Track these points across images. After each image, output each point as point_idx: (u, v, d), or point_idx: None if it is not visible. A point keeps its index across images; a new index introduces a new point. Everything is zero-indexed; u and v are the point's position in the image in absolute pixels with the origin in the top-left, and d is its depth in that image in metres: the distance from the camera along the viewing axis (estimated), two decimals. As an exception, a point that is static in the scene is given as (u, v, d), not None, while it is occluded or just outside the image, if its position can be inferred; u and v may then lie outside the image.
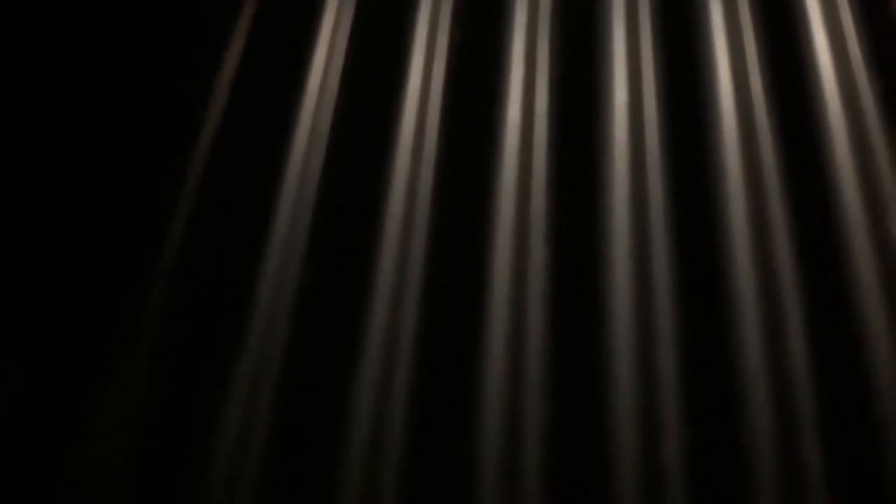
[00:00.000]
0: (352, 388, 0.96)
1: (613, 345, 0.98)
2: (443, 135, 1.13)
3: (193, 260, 1.02)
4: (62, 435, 0.95)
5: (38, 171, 1.10)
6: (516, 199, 1.09)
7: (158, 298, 1.00)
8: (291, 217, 1.06)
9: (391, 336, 0.99)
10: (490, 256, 1.04)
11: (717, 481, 0.89)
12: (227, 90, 1.14)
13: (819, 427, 0.90)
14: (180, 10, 1.21)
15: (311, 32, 1.19)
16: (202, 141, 1.10)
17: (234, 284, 1.01)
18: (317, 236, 1.05)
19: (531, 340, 0.99)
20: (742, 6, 1.26)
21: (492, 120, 1.14)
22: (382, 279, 1.02)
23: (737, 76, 1.18)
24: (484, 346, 0.98)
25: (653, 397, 0.94)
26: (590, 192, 1.09)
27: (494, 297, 1.01)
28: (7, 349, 1.01)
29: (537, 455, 0.92)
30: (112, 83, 1.15)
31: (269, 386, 0.96)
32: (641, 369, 0.96)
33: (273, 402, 0.95)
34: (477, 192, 1.09)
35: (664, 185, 1.10)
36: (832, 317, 0.98)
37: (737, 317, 0.99)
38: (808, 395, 0.92)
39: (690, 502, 0.88)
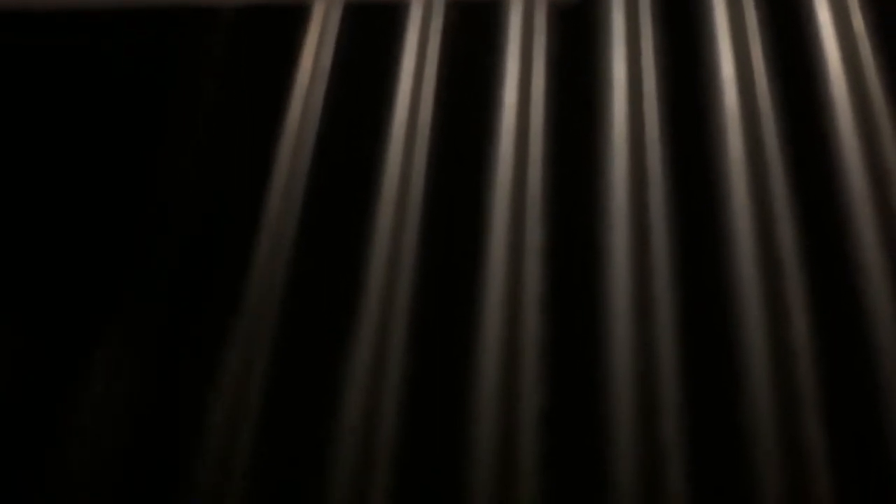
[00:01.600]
0: (343, 377, 0.95)
1: (611, 328, 0.96)
2: (437, 117, 1.12)
3: (180, 248, 1.02)
4: (45, 429, 0.94)
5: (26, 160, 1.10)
6: (512, 181, 1.08)
7: (144, 292, 0.99)
8: (281, 199, 1.06)
9: (383, 322, 0.98)
10: (485, 239, 1.03)
11: (717, 464, 0.87)
12: (209, 91, 1.13)
13: (822, 408, 0.89)
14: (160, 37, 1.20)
15: (297, 38, 1.18)
16: (194, 128, 1.10)
17: (222, 275, 1.01)
18: (306, 220, 1.04)
19: (527, 325, 0.98)
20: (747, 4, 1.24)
21: (487, 102, 1.13)
22: (374, 264, 1.01)
23: (738, 53, 1.16)
24: (478, 331, 0.97)
25: (651, 379, 0.92)
26: (588, 173, 1.08)
27: (489, 281, 1.00)
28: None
29: (533, 439, 0.90)
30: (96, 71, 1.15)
31: (258, 376, 0.95)
32: (640, 351, 0.94)
33: (262, 392, 0.94)
34: (472, 175, 1.08)
35: (664, 166, 1.08)
36: (836, 298, 0.97)
37: (738, 298, 0.97)
38: (810, 375, 0.90)
39: (690, 485, 0.86)
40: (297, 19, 1.21)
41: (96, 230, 1.07)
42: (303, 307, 1.00)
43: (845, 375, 0.90)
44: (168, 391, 0.96)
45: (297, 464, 0.91)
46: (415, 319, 0.97)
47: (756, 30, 1.18)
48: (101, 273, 1.04)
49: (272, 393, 0.95)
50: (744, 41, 1.17)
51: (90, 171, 1.11)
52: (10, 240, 1.07)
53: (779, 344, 0.92)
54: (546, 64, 1.17)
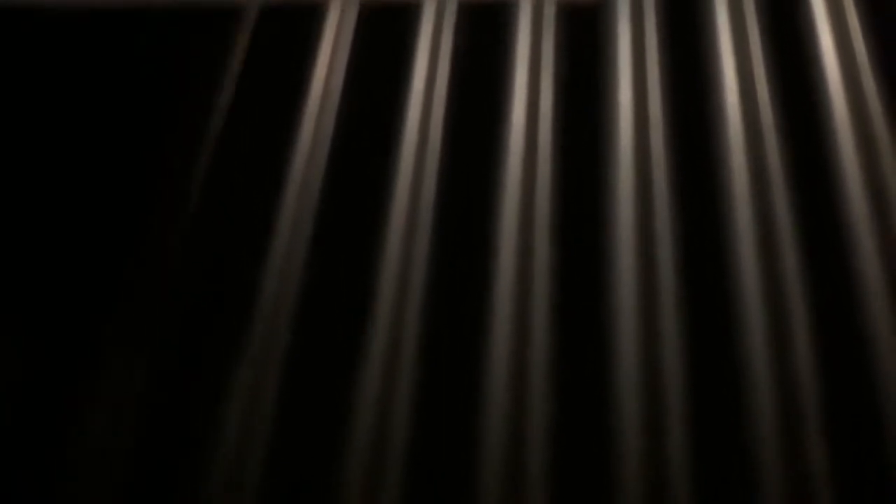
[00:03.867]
0: (354, 386, 0.95)
1: (618, 343, 0.97)
2: (447, 136, 1.13)
3: (194, 258, 1.02)
4: (57, 432, 0.94)
5: (39, 169, 1.09)
6: (520, 199, 1.09)
7: (158, 297, 0.99)
8: (294, 217, 1.06)
9: (394, 335, 0.99)
10: (494, 256, 1.04)
11: (722, 480, 0.88)
12: (231, 87, 1.14)
13: (825, 425, 0.90)
14: (176, 29, 1.21)
15: (314, 37, 1.19)
16: (202, 143, 1.10)
17: (236, 283, 1.01)
18: (319, 236, 1.04)
19: (535, 339, 0.98)
20: (747, 3, 1.25)
21: (496, 120, 1.14)
22: (385, 278, 1.02)
23: (741, 74, 1.17)
24: (488, 345, 0.98)
25: (657, 396, 0.93)
26: (595, 191, 1.09)
27: (498, 297, 1.01)
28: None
29: (541, 454, 0.91)
30: (113, 89, 1.15)
31: (271, 383, 0.95)
32: (646, 368, 0.95)
33: (275, 399, 0.94)
34: (481, 193, 1.09)
35: (669, 183, 1.09)
36: (837, 315, 0.98)
37: (742, 315, 0.98)
38: (813, 393, 0.92)
39: (695, 501, 0.87)
40: (313, 20, 1.21)
41: (105, 231, 1.06)
42: (315, 316, 1.00)
43: (848, 394, 0.91)
44: (177, 400, 0.96)
45: (309, 474, 0.92)
46: (425, 333, 0.98)
47: (758, 43, 1.19)
48: (110, 274, 1.04)
49: (285, 401, 0.95)
50: (746, 54, 1.18)
51: (102, 168, 1.10)
52: (12, 242, 1.06)
53: (783, 364, 0.93)
54: (554, 74, 1.19)
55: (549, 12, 1.25)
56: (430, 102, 1.16)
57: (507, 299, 1.01)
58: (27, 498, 0.90)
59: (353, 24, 1.23)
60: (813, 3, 1.23)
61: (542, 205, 1.08)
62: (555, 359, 0.97)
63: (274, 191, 1.07)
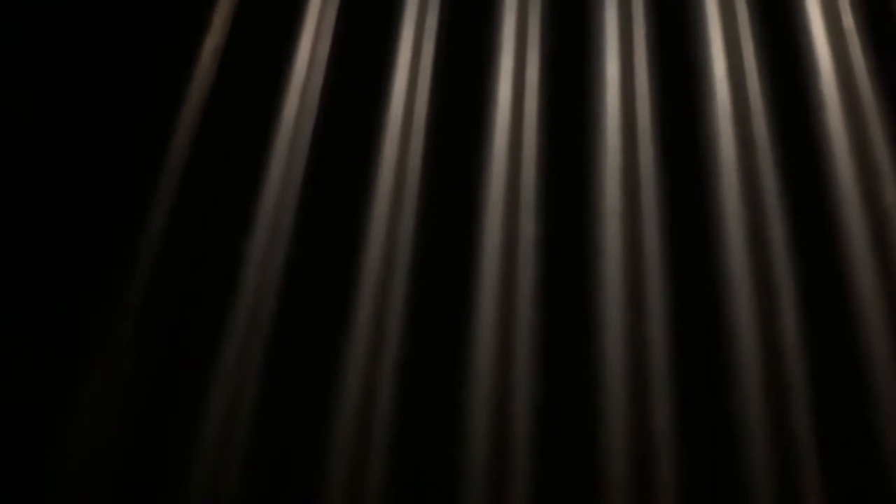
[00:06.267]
0: (339, 369, 0.95)
1: (604, 320, 0.97)
2: (432, 110, 1.13)
3: (177, 242, 1.02)
4: (42, 425, 0.94)
5: (16, 153, 1.09)
6: (506, 175, 1.09)
7: (140, 285, 0.99)
8: (279, 192, 1.06)
9: (379, 314, 0.99)
10: (480, 232, 1.04)
11: (708, 456, 0.88)
12: (213, 62, 1.13)
13: (811, 399, 0.90)
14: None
15: (300, 6, 1.19)
16: (186, 117, 1.09)
17: (219, 266, 1.00)
18: (304, 214, 1.04)
19: (521, 315, 0.99)
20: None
21: (482, 95, 1.14)
22: (371, 256, 1.02)
23: (729, 49, 1.17)
24: (473, 322, 0.98)
25: (643, 372, 0.93)
26: (581, 167, 1.09)
27: (484, 273, 1.01)
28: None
29: (526, 430, 0.91)
30: (90, 55, 1.14)
31: (255, 370, 0.95)
32: (632, 344, 0.95)
33: (258, 387, 0.94)
34: (467, 168, 1.09)
35: (655, 159, 1.09)
36: (825, 290, 0.98)
37: (729, 291, 0.99)
38: (799, 367, 0.92)
39: (681, 478, 0.87)
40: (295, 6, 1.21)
41: (95, 228, 1.06)
42: (300, 297, 1.00)
43: (834, 368, 0.91)
44: (162, 388, 0.95)
45: (294, 457, 0.92)
46: (410, 311, 0.98)
47: (746, 14, 1.19)
48: (100, 272, 1.03)
49: (269, 385, 0.95)
50: (733, 26, 1.18)
51: (82, 163, 1.10)
52: (12, 242, 1.06)
53: (769, 339, 0.93)
54: (541, 48, 1.18)
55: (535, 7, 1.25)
56: (415, 75, 1.16)
57: (493, 273, 1.01)
58: (15, 493, 0.90)
59: (335, 12, 1.22)
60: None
61: (528, 179, 1.08)
62: (540, 335, 0.97)
63: (258, 162, 1.07)
